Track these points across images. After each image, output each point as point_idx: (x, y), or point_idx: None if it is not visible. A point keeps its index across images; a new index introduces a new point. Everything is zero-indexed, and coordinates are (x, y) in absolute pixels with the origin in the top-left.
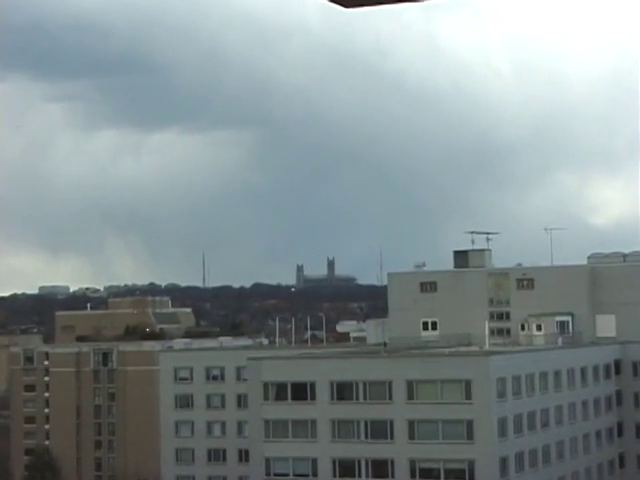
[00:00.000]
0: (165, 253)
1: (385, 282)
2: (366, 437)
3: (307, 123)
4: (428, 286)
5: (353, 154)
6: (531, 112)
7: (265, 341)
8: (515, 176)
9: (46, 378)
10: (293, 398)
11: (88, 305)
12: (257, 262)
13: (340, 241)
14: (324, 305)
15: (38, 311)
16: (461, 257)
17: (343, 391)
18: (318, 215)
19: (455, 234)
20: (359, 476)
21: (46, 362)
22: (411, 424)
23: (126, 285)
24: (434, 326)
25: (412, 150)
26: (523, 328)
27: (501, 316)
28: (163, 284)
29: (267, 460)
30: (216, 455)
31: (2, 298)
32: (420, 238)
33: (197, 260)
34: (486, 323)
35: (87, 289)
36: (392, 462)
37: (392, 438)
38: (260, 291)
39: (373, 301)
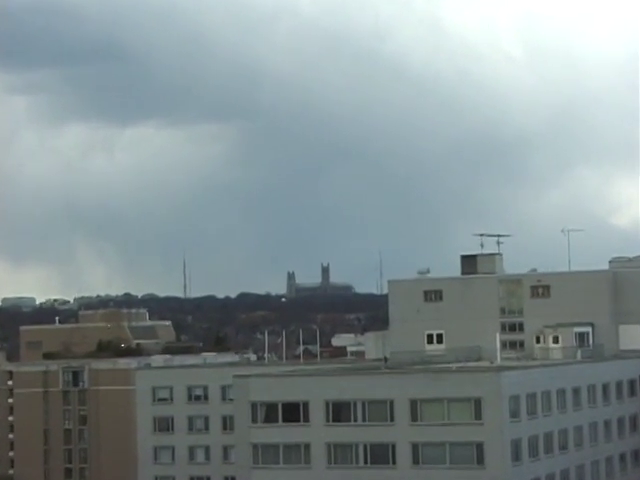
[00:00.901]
0: (142, 260)
1: (385, 290)
2: (365, 462)
3: (298, 115)
4: (433, 295)
5: (349, 149)
6: (546, 100)
7: (253, 357)
8: (529, 172)
9: (10, 400)
10: (284, 420)
11: (56, 319)
12: (244, 269)
13: (335, 245)
14: (318, 316)
15: (0, 325)
16: (469, 262)
17: (340, 412)
18: (311, 217)
19: (462, 237)
20: None
21: (10, 382)
22: (415, 448)
23: (99, 296)
24: (440, 339)
25: (414, 144)
26: (538, 340)
27: (514, 327)
28: (140, 294)
29: None
30: None
31: None
32: (424, 241)
33: (177, 268)
34: (497, 335)
35: (55, 301)
36: None
37: (394, 463)
38: (247, 302)
39: (372, 312)
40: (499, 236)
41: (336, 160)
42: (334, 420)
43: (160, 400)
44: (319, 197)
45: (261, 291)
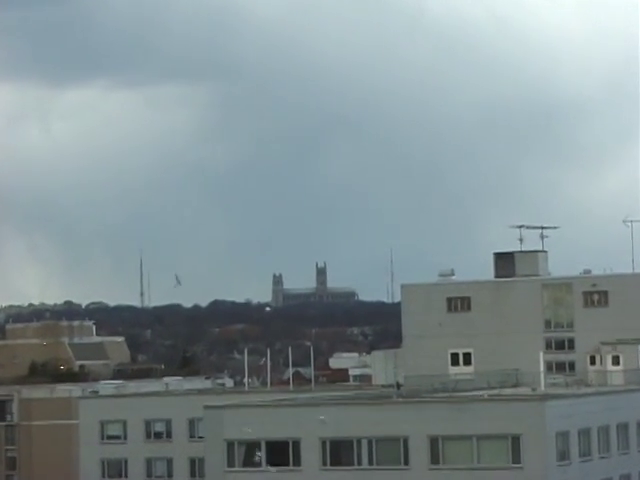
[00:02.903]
0: (86, 260)
1: (398, 298)
2: None
3: (287, 74)
4: (458, 303)
5: (352, 118)
6: (604, 56)
7: (229, 382)
8: (581, 147)
9: None
10: (269, 463)
11: None
12: (217, 271)
13: (334, 241)
14: (312, 331)
15: None
16: (505, 262)
17: (339, 452)
18: (303, 204)
19: (496, 230)
20: None
21: None
22: None
23: (31, 305)
24: (467, 359)
25: (435, 111)
26: (593, 361)
27: (562, 344)
28: (84, 303)
29: None
30: None
31: None
32: (446, 236)
33: (132, 269)
34: (540, 355)
35: None
36: None
37: None
38: (221, 312)
39: (381, 325)
40: (543, 228)
41: (335, 133)
42: (332, 463)
43: (110, 438)
44: (313, 180)
45: (239, 298)
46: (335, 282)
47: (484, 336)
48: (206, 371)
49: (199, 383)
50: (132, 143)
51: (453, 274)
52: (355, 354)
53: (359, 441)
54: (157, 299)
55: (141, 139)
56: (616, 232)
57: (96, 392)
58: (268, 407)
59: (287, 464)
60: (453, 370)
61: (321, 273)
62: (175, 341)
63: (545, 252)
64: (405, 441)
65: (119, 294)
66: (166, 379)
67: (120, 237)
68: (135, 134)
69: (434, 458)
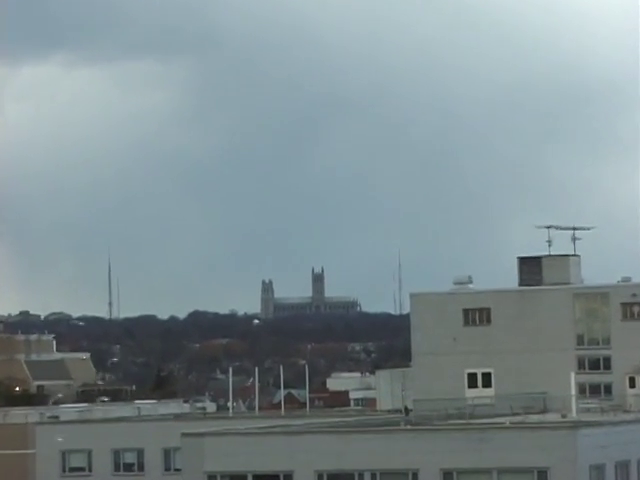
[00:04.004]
0: (45, 264)
1: (406, 309)
2: None
3: (277, 48)
4: (477, 315)
5: (353, 100)
6: None
7: (211, 406)
8: (620, 136)
9: None
10: None
11: None
12: (197, 278)
13: (333, 242)
14: (307, 347)
15: None
16: (531, 267)
17: None
18: (296, 201)
19: (520, 230)
20: None
21: None
22: None
23: None
24: (487, 381)
25: (451, 94)
26: (633, 383)
27: (597, 364)
28: (43, 314)
29: None
30: None
31: None
32: (462, 237)
33: (99, 275)
34: (572, 376)
35: None
36: None
37: None
38: (202, 325)
39: (386, 340)
40: (575, 229)
41: (334, 117)
42: None
43: (73, 470)
44: (309, 172)
45: (223, 309)
46: (334, 290)
47: (506, 354)
48: (184, 393)
49: (176, 407)
50: (97, 128)
51: (471, 282)
52: (357, 374)
53: (361, 475)
54: (128, 309)
55: (107, 124)
56: None
57: (56, 417)
58: (256, 435)
59: None
60: (470, 393)
61: (318, 280)
62: (148, 358)
63: (577, 256)
64: (415, 475)
65: (83, 303)
66: (138, 402)
67: (85, 237)
68: (101, 118)
69: None
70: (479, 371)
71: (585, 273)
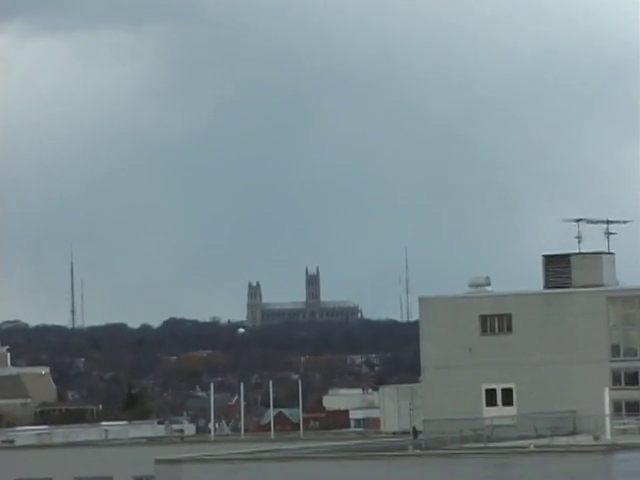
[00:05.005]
0: None
1: (415, 315)
2: None
3: (265, 15)
4: (496, 322)
5: (355, 77)
6: None
7: (189, 429)
8: None
9: None
10: None
11: None
12: (173, 279)
13: (329, 239)
14: (300, 359)
15: None
16: (558, 267)
17: None
18: (288, 192)
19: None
20: None
21: None
22: None
23: None
24: (508, 398)
25: (466, 67)
26: None
27: (634, 378)
28: None
29: None
30: None
31: None
32: (479, 233)
33: (60, 277)
34: (606, 391)
35: None
36: None
37: None
38: (179, 334)
39: (392, 351)
40: (609, 223)
41: (332, 96)
42: None
43: None
44: (302, 158)
45: (203, 316)
46: (331, 294)
47: (530, 367)
48: (159, 413)
49: (149, 429)
50: (58, 107)
51: (488, 284)
52: (358, 390)
53: None
54: (93, 317)
55: (70, 101)
56: None
57: (11, 441)
58: (241, 462)
59: None
60: (489, 412)
61: (312, 282)
62: (117, 373)
63: (612, 254)
64: None
65: (42, 311)
66: (105, 424)
67: (43, 233)
68: (62, 95)
69: None
70: (499, 387)
71: (620, 274)
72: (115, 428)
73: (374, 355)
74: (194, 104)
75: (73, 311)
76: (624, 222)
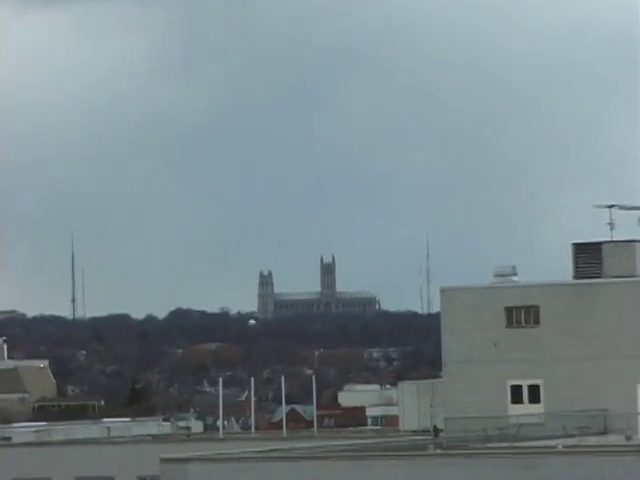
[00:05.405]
0: None
1: (436, 307)
2: None
3: None
4: (522, 314)
5: (371, 54)
6: None
7: (197, 426)
8: None
9: None
10: None
11: None
12: (179, 269)
13: (345, 226)
14: (315, 353)
15: None
16: (588, 256)
17: None
18: (302, 176)
19: (575, 210)
20: None
21: None
22: None
23: None
24: (534, 395)
25: (488, 44)
26: None
27: None
28: None
29: None
30: None
31: None
32: (503, 219)
33: (60, 266)
34: (639, 388)
35: None
36: None
37: None
38: (186, 325)
39: (411, 345)
40: None
41: (348, 72)
42: None
43: None
44: (316, 140)
45: (211, 307)
46: (347, 284)
47: (558, 362)
48: (164, 409)
49: (154, 427)
50: (57, 85)
51: (515, 273)
52: (375, 386)
53: None
54: (95, 308)
55: (69, 79)
56: None
57: (8, 439)
58: (252, 461)
59: None
60: (514, 410)
61: (327, 271)
62: (120, 367)
63: None
64: None
65: (41, 300)
66: (107, 421)
67: (43, 220)
68: (62, 72)
69: None
70: (525, 383)
71: None
72: (118, 425)
73: (393, 349)
74: (204, 83)
75: (74, 301)
76: None
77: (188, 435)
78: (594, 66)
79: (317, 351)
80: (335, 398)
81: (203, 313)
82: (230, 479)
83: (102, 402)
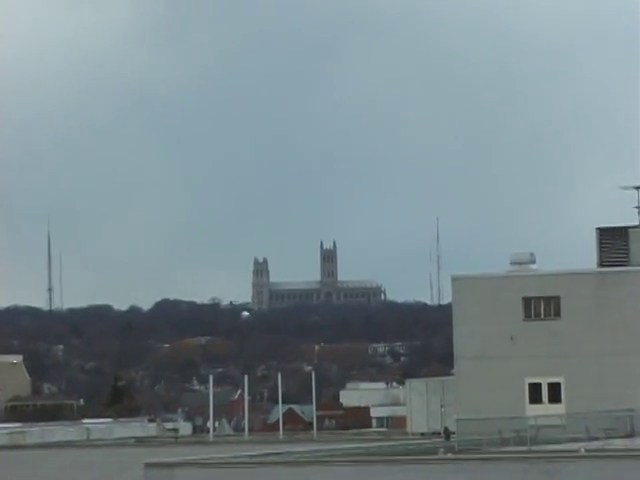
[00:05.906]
0: None
1: (447, 297)
2: None
3: None
4: (542, 306)
5: (377, 18)
6: None
7: (185, 427)
8: None
9: None
10: None
11: None
12: (166, 255)
13: (347, 210)
14: (314, 347)
15: None
16: (614, 242)
17: None
18: (300, 154)
19: (599, 192)
20: None
21: None
22: None
23: None
24: (555, 394)
25: (507, 18)
26: None
27: None
28: None
29: None
30: None
31: None
32: (521, 203)
33: (36, 253)
34: None
35: None
36: None
37: None
38: (173, 318)
39: (420, 339)
40: None
41: (351, 39)
42: None
43: None
44: (316, 115)
45: (201, 297)
46: (349, 272)
47: (581, 358)
48: (149, 410)
49: (138, 428)
50: (31, 50)
51: (533, 261)
52: (380, 384)
53: None
54: (73, 298)
55: (44, 45)
56: None
57: None
58: (244, 466)
59: None
60: (533, 410)
61: (328, 258)
62: (101, 363)
63: None
64: None
65: (15, 291)
66: (87, 422)
67: (15, 201)
68: (36, 34)
69: None
70: (544, 381)
71: None
72: (98, 427)
73: (399, 343)
74: (193, 49)
75: (50, 290)
76: None
77: (175, 438)
78: (622, 39)
79: (317, 346)
80: (336, 397)
81: (192, 304)
82: None
83: (81, 401)
